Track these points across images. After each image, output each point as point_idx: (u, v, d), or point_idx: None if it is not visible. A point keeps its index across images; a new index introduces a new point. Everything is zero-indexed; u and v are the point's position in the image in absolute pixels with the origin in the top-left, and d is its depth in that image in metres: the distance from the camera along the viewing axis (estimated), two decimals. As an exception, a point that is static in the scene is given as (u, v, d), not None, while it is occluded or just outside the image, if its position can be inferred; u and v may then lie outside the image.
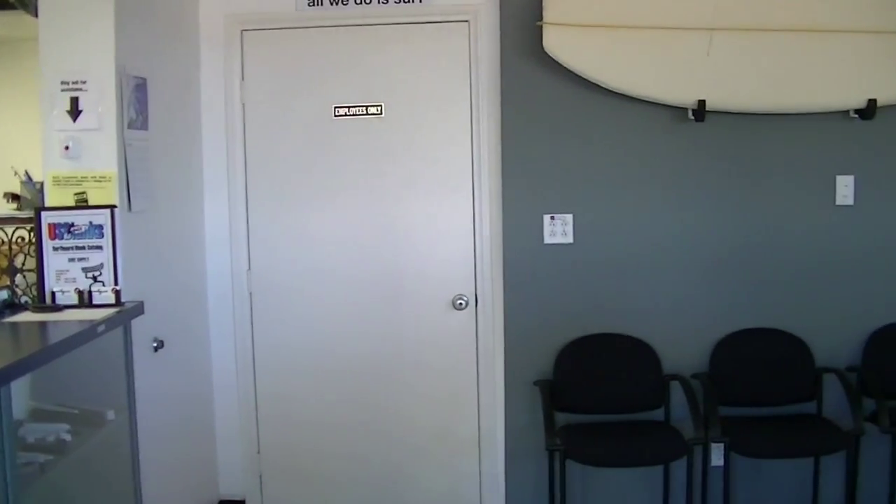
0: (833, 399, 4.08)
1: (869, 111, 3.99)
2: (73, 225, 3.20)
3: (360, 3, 4.06)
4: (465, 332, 4.18)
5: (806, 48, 3.95)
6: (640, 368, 4.08)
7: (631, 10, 3.91)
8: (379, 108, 4.09)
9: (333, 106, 4.09)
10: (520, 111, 4.03)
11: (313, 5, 4.07)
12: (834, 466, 4.07)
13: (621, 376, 4.07)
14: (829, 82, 3.99)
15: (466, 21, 4.06)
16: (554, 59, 3.89)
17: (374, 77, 4.09)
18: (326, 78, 4.10)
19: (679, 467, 4.02)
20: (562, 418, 4.06)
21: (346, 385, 4.24)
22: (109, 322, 3.00)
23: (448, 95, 4.10)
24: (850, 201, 4.11)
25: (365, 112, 4.09)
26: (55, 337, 2.77)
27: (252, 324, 4.20)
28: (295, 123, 4.12)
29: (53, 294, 3.17)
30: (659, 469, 4.09)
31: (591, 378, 4.07)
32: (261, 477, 4.29)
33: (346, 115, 4.09)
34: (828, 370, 4.08)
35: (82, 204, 3.23)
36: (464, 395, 4.23)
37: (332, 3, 4.06)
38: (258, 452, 4.28)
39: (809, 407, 4.12)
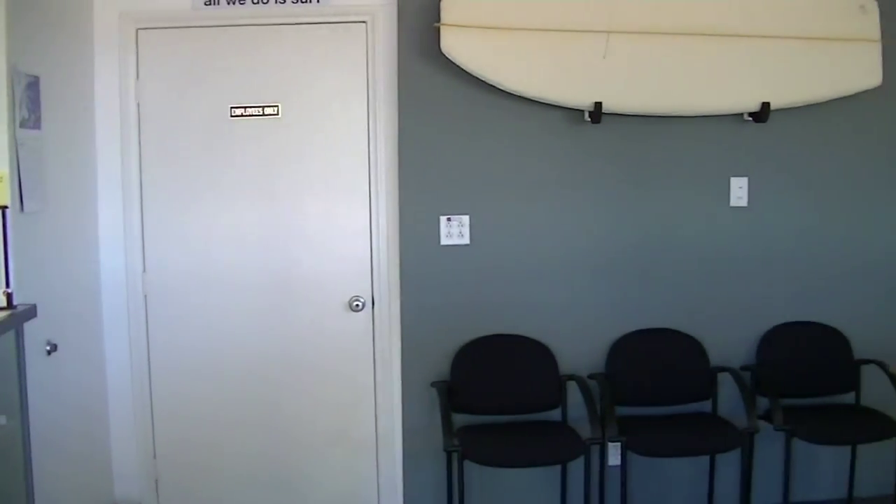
0: (728, 398, 4.63)
1: (763, 114, 4.54)
2: (-38, 227, 3.36)
3: (258, 2, 4.46)
4: (362, 333, 4.62)
5: (701, 52, 4.47)
6: (537, 369, 4.57)
7: (528, 12, 4.36)
8: (276, 109, 4.50)
9: (230, 106, 4.48)
10: (417, 112, 4.47)
11: (210, 4, 4.45)
12: (729, 464, 4.60)
13: (518, 377, 4.56)
14: (723, 86, 4.53)
15: (364, 22, 4.49)
16: (451, 61, 4.34)
17: (272, 77, 4.49)
18: (223, 78, 4.48)
19: (576, 467, 4.49)
20: (460, 419, 4.50)
21: (243, 388, 4.63)
22: (0, 325, 3.17)
23: (346, 96, 4.52)
24: (745, 203, 4.68)
25: (262, 113, 4.49)
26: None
27: (147, 326, 4.56)
28: (191, 123, 4.49)
29: (-57, 297, 3.33)
30: (557, 469, 4.58)
31: (488, 379, 4.54)
32: (157, 481, 4.66)
33: (242, 115, 4.49)
34: (722, 369, 4.63)
35: (-27, 205, 3.38)
36: (361, 396, 4.67)
37: (228, 3, 4.44)
38: (154, 457, 4.65)
39: (705, 406, 4.66)
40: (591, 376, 4.60)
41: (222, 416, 4.68)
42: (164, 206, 4.57)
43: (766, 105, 4.53)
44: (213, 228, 4.59)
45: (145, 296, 4.60)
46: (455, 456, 4.31)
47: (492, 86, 4.44)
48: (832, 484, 4.88)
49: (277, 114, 4.54)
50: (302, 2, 4.51)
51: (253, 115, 4.53)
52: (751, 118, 4.60)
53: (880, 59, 4.64)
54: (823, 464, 4.86)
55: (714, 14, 4.51)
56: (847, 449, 4.83)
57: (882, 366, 4.65)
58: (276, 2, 4.51)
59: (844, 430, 4.57)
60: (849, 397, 4.77)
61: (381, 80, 4.53)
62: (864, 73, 4.65)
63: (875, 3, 4.64)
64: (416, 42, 4.46)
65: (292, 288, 4.62)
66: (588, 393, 4.44)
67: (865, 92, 4.64)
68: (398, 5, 4.48)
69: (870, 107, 4.72)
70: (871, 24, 4.64)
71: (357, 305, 4.61)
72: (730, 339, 4.72)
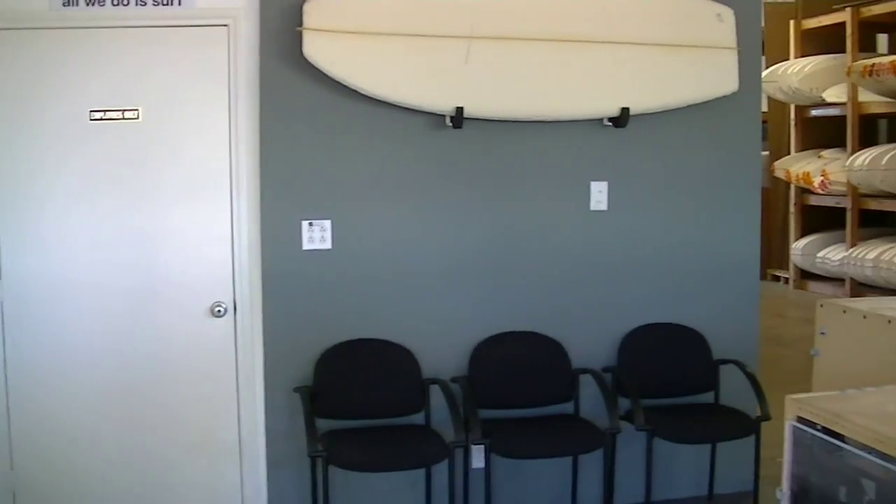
0: (590, 399, 5.21)
1: (622, 119, 5.15)
2: None
3: (118, 4, 4.82)
4: (224, 339, 5.03)
5: (562, 58, 5.02)
6: (400, 373, 5.07)
7: (390, 17, 4.85)
8: (136, 113, 4.88)
9: (89, 110, 4.84)
10: (279, 117, 4.91)
11: (68, 5, 4.79)
12: (592, 464, 5.16)
13: (381, 381, 5.05)
14: (584, 91, 5.09)
15: (226, 25, 4.89)
16: (314, 66, 4.80)
17: (132, 81, 4.86)
18: (82, 81, 4.82)
19: (441, 470, 4.94)
20: (325, 425, 4.92)
21: (104, 396, 4.98)
22: None
23: (207, 100, 4.92)
24: (604, 206, 5.32)
25: (122, 116, 4.86)
26: None
27: (3, 333, 4.88)
28: (48, 127, 4.82)
29: None
30: (422, 472, 5.09)
31: (352, 384, 5.01)
32: (14, 494, 4.99)
33: (102, 118, 4.85)
34: (584, 371, 5.21)
35: None
36: (223, 402, 5.08)
37: (88, 4, 4.80)
38: (11, 468, 4.96)
39: (567, 408, 5.23)
40: (453, 379, 5.11)
41: (82, 425, 5.01)
42: (20, 211, 4.87)
43: (625, 110, 5.14)
44: (72, 233, 4.91)
45: (1, 302, 4.91)
46: (319, 461, 4.73)
47: (354, 91, 4.90)
48: (693, 482, 5.54)
49: (138, 118, 4.90)
50: (163, 4, 4.90)
51: (113, 119, 4.89)
52: (611, 123, 5.22)
53: (737, 66, 5.38)
54: (684, 462, 5.51)
55: (575, 21, 5.09)
56: (707, 447, 5.48)
57: (740, 365, 5.34)
58: (136, 4, 4.86)
59: (704, 429, 5.25)
60: (708, 396, 5.44)
61: (242, 83, 4.94)
62: (721, 79, 5.33)
63: (731, 12, 5.35)
64: (279, 46, 4.89)
65: (153, 294, 4.99)
66: (451, 396, 4.94)
67: (721, 98, 5.33)
68: (260, 9, 4.89)
69: (725, 112, 5.39)
70: (727, 32, 5.35)
71: (219, 311, 5.03)
72: (591, 341, 5.33)
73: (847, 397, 2.14)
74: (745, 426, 5.17)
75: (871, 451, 1.90)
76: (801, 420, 2.08)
